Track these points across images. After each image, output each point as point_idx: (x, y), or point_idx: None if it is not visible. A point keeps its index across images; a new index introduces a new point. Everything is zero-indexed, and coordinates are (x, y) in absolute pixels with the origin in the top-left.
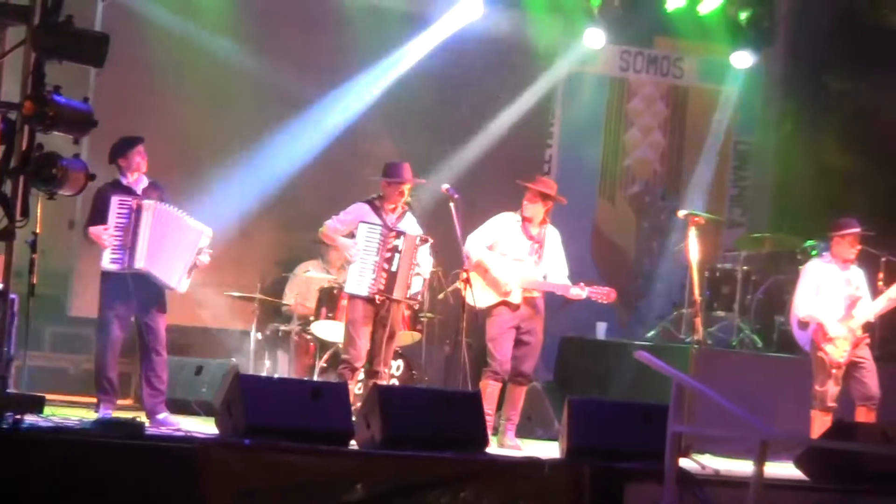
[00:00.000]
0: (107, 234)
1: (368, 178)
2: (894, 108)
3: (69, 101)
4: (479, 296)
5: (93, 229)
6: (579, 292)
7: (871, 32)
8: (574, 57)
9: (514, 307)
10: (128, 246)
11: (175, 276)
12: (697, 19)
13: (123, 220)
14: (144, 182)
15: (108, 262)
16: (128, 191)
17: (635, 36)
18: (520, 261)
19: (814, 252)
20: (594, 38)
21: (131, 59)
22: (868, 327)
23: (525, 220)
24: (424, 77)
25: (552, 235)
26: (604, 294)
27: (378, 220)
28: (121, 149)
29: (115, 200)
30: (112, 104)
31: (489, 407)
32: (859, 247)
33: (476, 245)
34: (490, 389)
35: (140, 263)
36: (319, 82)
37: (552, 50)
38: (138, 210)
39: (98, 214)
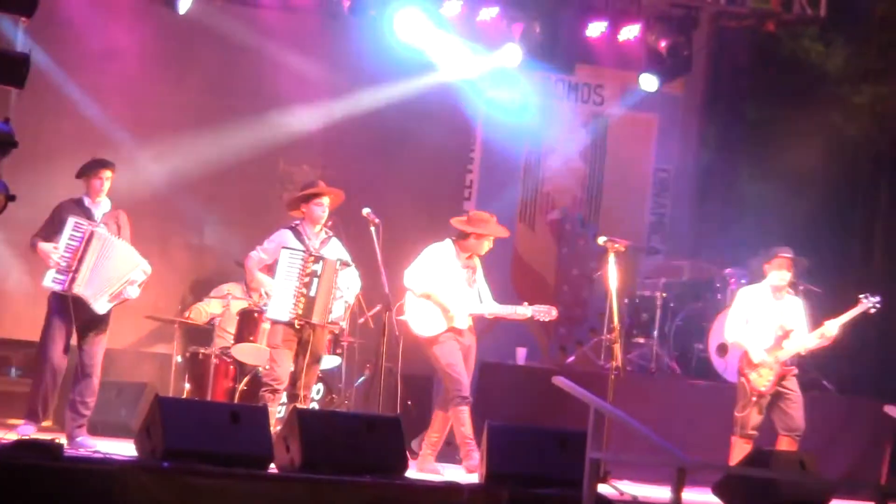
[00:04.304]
0: (56, 253)
1: (290, 194)
2: (812, 136)
3: None
4: (424, 325)
5: (42, 246)
6: (525, 311)
7: (789, 62)
8: (494, 81)
9: (459, 333)
10: (72, 269)
11: (98, 297)
12: (618, 47)
13: (75, 244)
14: (107, 207)
15: (49, 281)
16: (87, 213)
17: (557, 63)
18: (457, 289)
19: (732, 280)
20: (512, 56)
21: (53, 82)
22: (797, 360)
23: (462, 250)
24: (346, 102)
25: (477, 266)
26: (546, 311)
27: (300, 246)
28: (85, 169)
29: (71, 222)
30: (33, 126)
31: (468, 430)
32: (789, 274)
33: (417, 278)
34: (463, 414)
35: (79, 289)
36: (239, 105)
37: (475, 76)
38: (90, 237)
39: (51, 229)
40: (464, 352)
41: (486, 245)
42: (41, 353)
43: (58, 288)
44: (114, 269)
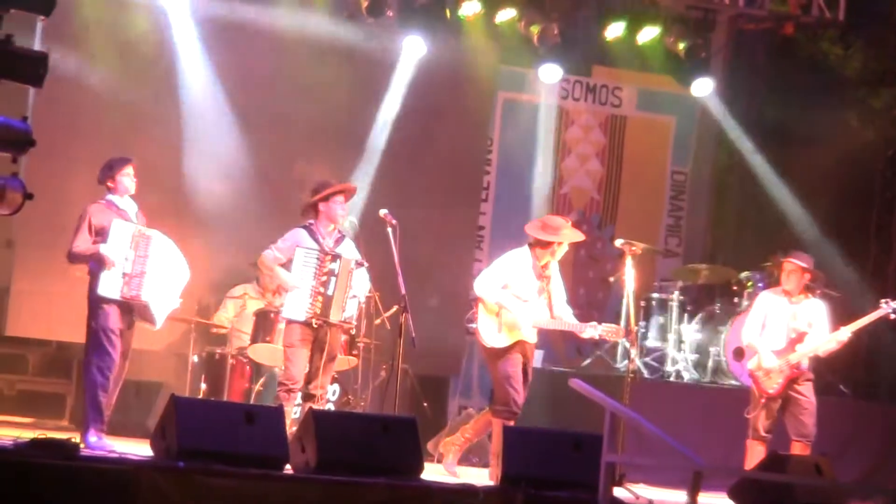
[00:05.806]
0: (119, 258)
1: (307, 201)
2: (829, 139)
3: (7, 120)
4: (494, 337)
5: (105, 248)
6: (592, 332)
7: (806, 65)
8: (512, 82)
9: (526, 346)
10: (134, 274)
11: (161, 314)
12: (636, 49)
13: (127, 247)
14: (134, 206)
15: (108, 287)
16: (124, 215)
17: (574, 64)
18: (528, 301)
19: (749, 283)
20: (550, 74)
21: (71, 81)
22: (813, 364)
23: (539, 259)
24: (362, 103)
25: (554, 267)
26: (614, 332)
27: (315, 245)
28: (109, 169)
29: (118, 224)
30: (52, 124)
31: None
32: (794, 279)
33: (490, 286)
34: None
35: (146, 295)
36: (255, 105)
37: (492, 77)
38: (144, 238)
39: (91, 233)
40: (524, 364)
41: (565, 249)
42: (105, 359)
43: (117, 295)
44: (172, 277)
